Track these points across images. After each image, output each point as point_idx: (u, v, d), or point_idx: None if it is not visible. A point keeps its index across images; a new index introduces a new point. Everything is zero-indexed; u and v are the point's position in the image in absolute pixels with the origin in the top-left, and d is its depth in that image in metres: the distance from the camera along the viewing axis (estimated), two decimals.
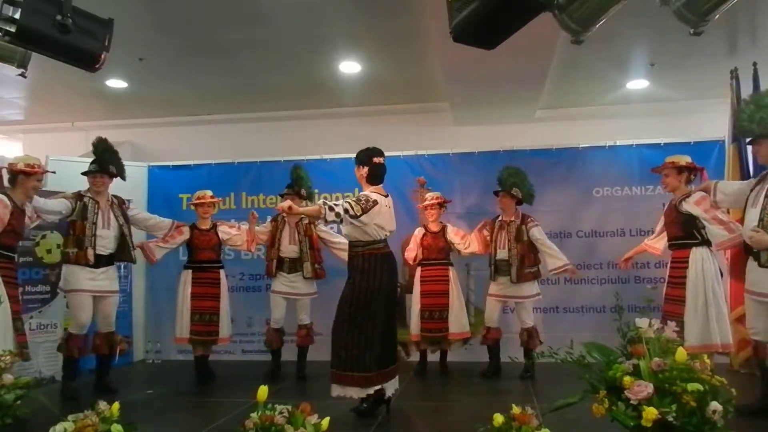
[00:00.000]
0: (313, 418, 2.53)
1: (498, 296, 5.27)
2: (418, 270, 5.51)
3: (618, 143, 5.95)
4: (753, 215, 3.73)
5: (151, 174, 6.62)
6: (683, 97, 6.52)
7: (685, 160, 4.45)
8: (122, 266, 6.15)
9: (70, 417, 2.46)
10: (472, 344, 5.84)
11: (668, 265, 4.54)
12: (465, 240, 5.44)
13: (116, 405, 2.56)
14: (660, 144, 5.78)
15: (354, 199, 3.81)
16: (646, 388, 2.45)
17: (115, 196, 4.99)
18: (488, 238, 5.34)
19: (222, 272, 5.46)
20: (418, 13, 4.58)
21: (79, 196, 4.78)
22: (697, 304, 4.21)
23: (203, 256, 5.37)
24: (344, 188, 6.22)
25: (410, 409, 4.30)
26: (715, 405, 2.41)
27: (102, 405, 2.54)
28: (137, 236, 6.09)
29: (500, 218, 5.29)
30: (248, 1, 4.46)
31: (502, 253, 5.18)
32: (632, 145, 5.91)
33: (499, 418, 2.41)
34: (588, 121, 6.89)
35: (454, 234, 5.46)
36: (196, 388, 5.14)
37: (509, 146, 6.09)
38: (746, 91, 5.27)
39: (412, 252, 5.53)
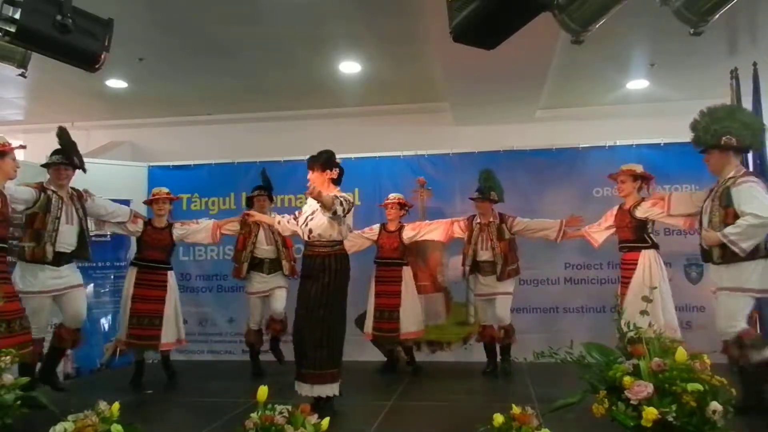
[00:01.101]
0: (313, 418, 2.54)
1: (484, 295, 5.32)
2: (374, 269, 5.52)
3: (618, 143, 5.94)
4: (705, 221, 4.07)
5: (151, 174, 6.61)
6: (683, 97, 6.50)
7: (639, 168, 4.81)
8: (122, 266, 6.17)
9: (70, 417, 2.47)
10: (472, 344, 5.85)
11: (620, 267, 4.87)
12: (421, 228, 5.45)
13: (116, 405, 2.56)
14: (660, 144, 5.79)
15: (341, 197, 3.86)
16: (646, 388, 2.46)
17: (74, 189, 4.66)
18: (461, 235, 5.37)
19: (170, 274, 5.21)
20: (418, 13, 4.57)
21: (42, 187, 4.42)
22: (636, 304, 4.42)
23: (151, 255, 5.11)
24: (344, 188, 6.18)
25: (410, 409, 4.30)
26: (715, 405, 2.41)
27: (102, 405, 2.54)
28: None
29: (477, 221, 5.31)
30: (248, 1, 4.46)
31: (484, 254, 5.23)
32: (632, 145, 5.90)
33: (499, 418, 2.41)
34: (588, 121, 6.88)
35: (410, 229, 5.46)
36: (196, 388, 5.13)
37: (509, 146, 6.09)
38: (746, 91, 5.27)
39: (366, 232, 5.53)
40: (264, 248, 5.38)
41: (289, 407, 2.55)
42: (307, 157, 4.10)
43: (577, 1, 3.02)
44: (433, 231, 5.45)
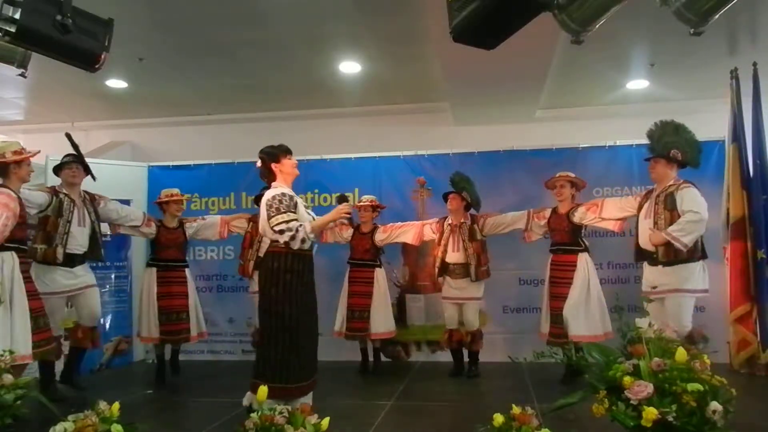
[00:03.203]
0: (313, 418, 2.54)
1: (453, 299, 5.29)
2: (348, 269, 5.55)
3: (618, 143, 5.94)
4: (646, 225, 4.50)
5: (151, 174, 6.61)
6: (683, 97, 6.51)
7: (572, 175, 5.15)
8: (123, 266, 6.17)
9: (70, 417, 2.46)
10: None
11: (549, 266, 5.09)
12: (393, 231, 5.45)
13: (116, 405, 2.56)
14: None
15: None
16: (646, 388, 2.45)
17: (87, 192, 4.79)
18: (433, 237, 5.37)
19: (187, 271, 5.40)
20: (418, 13, 4.57)
21: (54, 191, 4.55)
22: (580, 302, 4.84)
23: (168, 255, 5.27)
24: (344, 188, 6.20)
25: (410, 409, 4.30)
26: (715, 405, 2.40)
27: (102, 405, 2.54)
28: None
29: (449, 221, 5.30)
30: (248, 1, 4.46)
31: (455, 256, 5.20)
32: (632, 145, 5.89)
33: (499, 418, 2.41)
34: (588, 121, 6.88)
35: (381, 232, 5.47)
36: (196, 388, 5.14)
37: (509, 146, 6.09)
38: (746, 91, 5.27)
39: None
40: None
41: (289, 407, 2.55)
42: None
43: (577, 1, 3.02)
44: (404, 233, 5.45)
